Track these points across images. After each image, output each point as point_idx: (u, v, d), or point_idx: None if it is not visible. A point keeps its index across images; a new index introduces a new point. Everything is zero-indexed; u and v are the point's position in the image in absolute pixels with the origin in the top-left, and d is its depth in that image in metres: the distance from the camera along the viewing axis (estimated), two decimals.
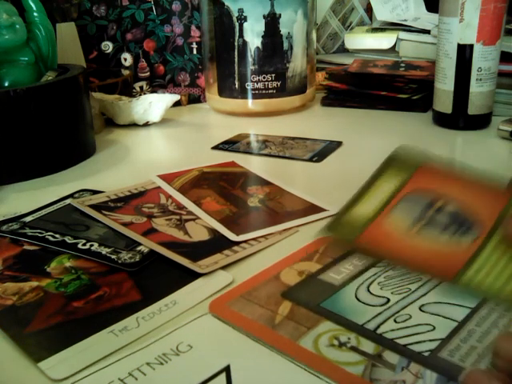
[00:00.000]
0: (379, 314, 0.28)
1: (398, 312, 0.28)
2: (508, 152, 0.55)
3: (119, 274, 0.33)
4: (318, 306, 0.29)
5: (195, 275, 0.33)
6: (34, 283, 0.33)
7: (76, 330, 0.28)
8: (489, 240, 0.30)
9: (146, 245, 0.36)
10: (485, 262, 0.28)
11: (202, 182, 0.47)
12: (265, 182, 0.47)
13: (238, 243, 0.36)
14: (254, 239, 0.37)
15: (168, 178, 0.48)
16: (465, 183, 0.34)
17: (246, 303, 0.29)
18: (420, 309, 0.28)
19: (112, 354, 0.27)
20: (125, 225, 0.39)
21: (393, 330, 0.27)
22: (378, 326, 0.27)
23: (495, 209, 0.32)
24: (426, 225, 0.31)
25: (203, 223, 0.40)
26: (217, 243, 0.36)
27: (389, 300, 0.29)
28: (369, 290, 0.30)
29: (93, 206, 0.42)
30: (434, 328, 0.27)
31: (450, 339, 0.26)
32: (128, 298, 0.31)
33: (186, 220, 0.40)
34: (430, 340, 0.26)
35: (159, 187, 0.46)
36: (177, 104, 0.73)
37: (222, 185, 0.47)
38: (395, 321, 0.27)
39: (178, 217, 0.41)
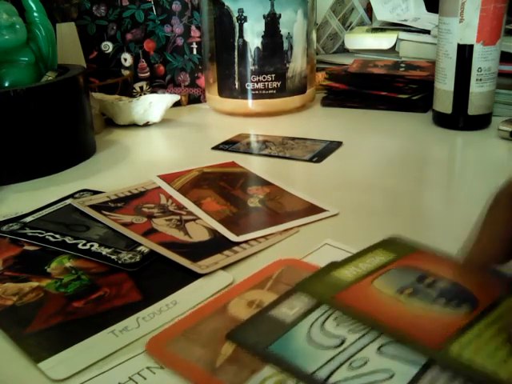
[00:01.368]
0: (333, 358, 0.25)
1: (354, 355, 0.25)
2: (508, 152, 0.55)
3: (119, 275, 0.33)
4: (265, 349, 0.26)
5: (196, 275, 0.33)
6: (35, 283, 0.33)
7: (76, 331, 0.28)
8: (483, 317, 0.27)
9: (146, 245, 0.36)
10: (476, 337, 0.25)
11: (202, 183, 0.47)
12: (265, 183, 0.47)
13: (238, 243, 0.36)
14: (254, 239, 0.37)
15: (168, 179, 0.48)
16: (460, 270, 0.32)
17: (187, 342, 0.26)
18: (378, 350, 0.25)
19: (112, 354, 0.27)
20: (125, 225, 0.39)
21: (346, 380, 0.24)
22: (331, 374, 0.24)
23: (491, 293, 0.29)
24: (413, 294, 0.29)
25: (203, 224, 0.40)
26: (217, 244, 0.36)
27: (344, 340, 0.26)
28: (323, 328, 0.27)
29: (93, 207, 0.42)
30: (393, 375, 0.24)
31: None
32: (128, 299, 0.31)
33: (187, 220, 0.40)
34: None
35: (159, 187, 0.46)
36: (177, 104, 0.73)
37: (222, 185, 0.47)
38: (350, 366, 0.24)
39: (178, 217, 0.41)
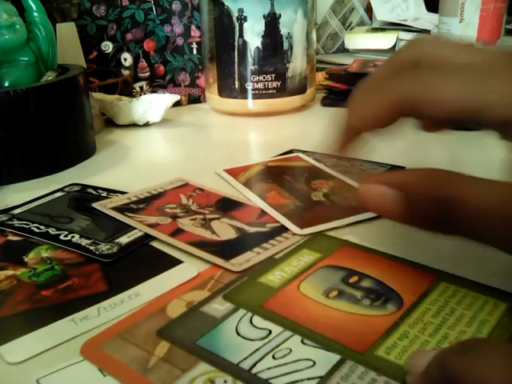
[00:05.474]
0: (258, 349, 0.25)
1: (278, 346, 0.26)
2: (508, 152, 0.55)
3: (91, 266, 0.34)
4: (193, 344, 0.26)
5: (163, 269, 0.33)
6: (10, 272, 0.34)
7: (40, 317, 0.29)
8: (408, 315, 0.27)
9: (176, 245, 0.36)
10: (401, 337, 0.26)
11: (266, 176, 0.48)
12: (330, 176, 0.47)
13: (266, 241, 0.37)
14: (283, 236, 0.37)
15: (234, 173, 0.48)
16: (385, 265, 0.32)
17: (122, 343, 0.26)
18: (302, 341, 0.26)
19: (70, 340, 0.27)
20: (151, 226, 0.39)
21: (269, 369, 0.24)
22: (255, 365, 0.25)
23: (418, 287, 0.30)
24: (338, 296, 0.29)
25: (228, 222, 0.40)
26: (246, 241, 0.37)
27: (270, 332, 0.27)
28: (251, 322, 0.27)
29: (115, 209, 0.42)
30: (315, 364, 0.24)
31: (329, 377, 0.24)
32: (94, 289, 0.32)
33: (211, 219, 0.40)
34: (308, 378, 0.24)
35: (178, 187, 0.46)
36: (177, 104, 0.73)
37: (286, 179, 0.47)
38: (273, 357, 0.25)
39: (202, 216, 0.41)
